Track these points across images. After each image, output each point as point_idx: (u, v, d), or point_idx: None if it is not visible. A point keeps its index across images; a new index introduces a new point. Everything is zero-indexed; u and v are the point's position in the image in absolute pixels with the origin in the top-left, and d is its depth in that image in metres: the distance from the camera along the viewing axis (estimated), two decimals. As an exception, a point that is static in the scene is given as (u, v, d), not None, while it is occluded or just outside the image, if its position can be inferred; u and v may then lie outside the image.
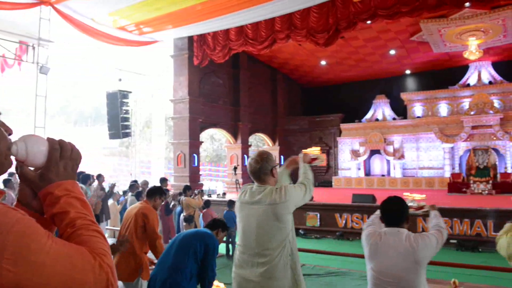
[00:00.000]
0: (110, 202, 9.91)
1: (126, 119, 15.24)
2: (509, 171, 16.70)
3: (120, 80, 15.76)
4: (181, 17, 12.56)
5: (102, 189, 9.44)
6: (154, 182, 12.34)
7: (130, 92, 15.77)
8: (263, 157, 2.73)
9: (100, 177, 9.74)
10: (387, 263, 2.53)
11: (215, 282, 3.34)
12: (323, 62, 20.14)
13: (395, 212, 2.66)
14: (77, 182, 1.06)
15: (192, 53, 15.27)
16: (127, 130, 15.31)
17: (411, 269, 2.47)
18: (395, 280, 2.48)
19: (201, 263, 3.49)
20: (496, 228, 9.49)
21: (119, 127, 14.95)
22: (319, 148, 3.18)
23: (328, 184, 21.22)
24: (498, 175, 16.39)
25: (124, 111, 15.08)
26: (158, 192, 4.54)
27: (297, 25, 12.82)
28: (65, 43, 13.15)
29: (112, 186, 10.35)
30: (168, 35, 14.51)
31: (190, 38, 15.16)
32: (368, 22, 12.41)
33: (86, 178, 8.08)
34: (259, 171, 2.70)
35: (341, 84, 23.09)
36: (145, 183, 10.24)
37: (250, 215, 2.66)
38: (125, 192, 11.09)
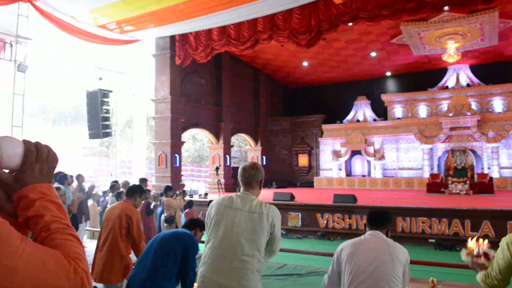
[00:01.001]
0: (90, 203, 9.78)
1: (107, 119, 15.03)
2: (485, 171, 17.09)
3: (100, 79, 15.54)
4: (163, 16, 12.46)
5: (82, 189, 9.32)
6: (135, 182, 12.21)
7: (111, 91, 15.56)
8: (258, 166, 2.86)
9: (79, 177, 9.61)
10: (366, 261, 2.63)
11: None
12: (305, 63, 20.26)
13: (381, 216, 2.90)
14: (53, 186, 1.05)
15: (174, 52, 15.17)
16: (108, 130, 15.10)
17: (388, 262, 2.59)
18: (370, 271, 2.58)
19: (181, 264, 3.47)
20: (473, 227, 9.70)
21: (99, 126, 14.74)
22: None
23: (309, 184, 21.35)
24: (475, 176, 16.75)
25: (105, 111, 14.87)
26: (138, 190, 4.50)
27: (280, 26, 12.87)
28: (44, 41, 12.91)
29: (92, 187, 10.21)
30: (150, 34, 14.39)
31: (172, 38, 15.07)
32: (350, 24, 12.54)
33: (63, 179, 7.94)
34: (253, 176, 2.80)
35: (323, 85, 23.27)
36: (126, 183, 10.12)
37: (236, 220, 2.67)
38: (105, 193, 10.94)
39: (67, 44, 13.31)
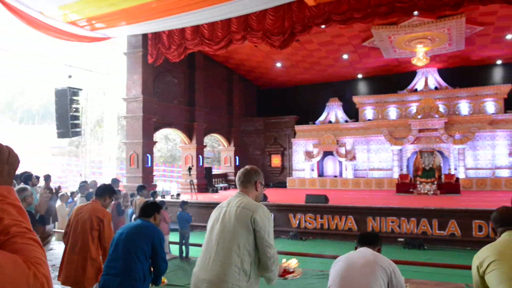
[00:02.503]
0: (58, 204, 9.54)
1: (76, 118, 14.69)
2: (452, 172, 17.62)
3: (70, 76, 15.17)
4: (135, 14, 12.25)
5: (49, 190, 9.06)
6: (105, 182, 11.97)
7: (81, 89, 15.21)
8: (256, 169, 2.93)
9: (47, 177, 9.35)
10: (350, 263, 2.73)
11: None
12: (278, 64, 20.36)
13: (371, 236, 3.04)
14: (13, 188, 1.01)
15: (146, 51, 14.96)
16: (77, 129, 14.76)
17: (370, 266, 2.65)
18: (352, 276, 2.65)
19: (152, 259, 3.45)
20: (441, 226, 9.98)
21: (68, 125, 14.39)
22: (296, 261, 3.11)
23: (282, 184, 21.47)
24: (443, 176, 17.23)
25: (74, 109, 14.53)
26: (108, 191, 4.41)
27: (254, 27, 12.89)
28: (11, 37, 12.49)
29: (57, 188, 9.96)
30: (122, 31, 14.11)
31: (145, 36, 14.85)
32: (323, 26, 12.67)
33: (27, 179, 7.69)
34: (249, 175, 2.86)
35: (296, 86, 23.45)
36: (94, 183, 9.91)
37: (222, 216, 2.72)
38: (73, 193, 10.69)
39: (36, 41, 12.92)
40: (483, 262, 2.23)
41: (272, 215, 11.58)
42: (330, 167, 21.19)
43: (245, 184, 2.86)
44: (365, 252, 2.82)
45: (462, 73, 19.74)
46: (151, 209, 3.67)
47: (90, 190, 9.05)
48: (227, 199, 2.88)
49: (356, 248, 2.99)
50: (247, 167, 2.94)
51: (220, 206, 2.83)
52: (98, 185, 4.99)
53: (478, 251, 2.35)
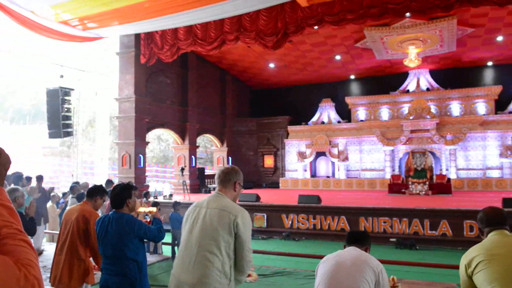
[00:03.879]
0: (49, 204, 9.47)
1: (68, 118, 14.59)
2: (444, 173, 17.75)
3: (61, 76, 15.07)
4: (128, 13, 12.20)
5: (41, 190, 8.99)
6: (97, 183, 11.90)
7: (73, 89, 15.11)
8: (236, 169, 2.91)
9: (39, 178, 9.28)
10: (338, 262, 2.73)
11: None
12: (271, 65, 20.37)
13: (359, 235, 3.07)
14: (4, 189, 1.00)
15: (139, 51, 14.90)
16: (69, 129, 14.66)
17: (359, 265, 2.66)
18: (340, 274, 2.65)
19: (140, 243, 3.44)
20: (432, 227, 10.05)
21: (60, 125, 14.29)
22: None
23: (275, 185, 21.49)
24: (434, 177, 17.35)
25: (66, 109, 14.43)
26: (99, 191, 4.37)
27: (247, 27, 12.89)
28: (1, 36, 12.38)
29: (50, 189, 9.89)
30: (114, 31, 14.03)
31: (137, 36, 14.79)
32: (315, 27, 12.72)
33: (18, 179, 7.62)
34: (229, 175, 2.83)
35: (289, 87, 23.47)
36: (86, 185, 9.85)
37: (201, 217, 2.69)
38: (64, 194, 10.61)
39: (27, 40, 12.81)
40: (471, 262, 2.25)
41: (265, 216, 11.62)
42: (323, 167, 21.25)
43: (224, 183, 2.82)
44: (353, 251, 2.83)
45: (453, 74, 19.90)
46: (92, 192, 3.68)
47: (82, 191, 8.99)
48: (204, 198, 2.85)
49: (344, 247, 3.00)
50: (227, 166, 2.92)
51: (198, 205, 2.79)
52: (89, 187, 4.95)
53: (467, 251, 2.37)
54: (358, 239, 3.00)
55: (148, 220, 3.68)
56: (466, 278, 2.28)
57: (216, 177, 2.90)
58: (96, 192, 4.36)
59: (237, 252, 2.60)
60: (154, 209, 3.83)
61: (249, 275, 3.09)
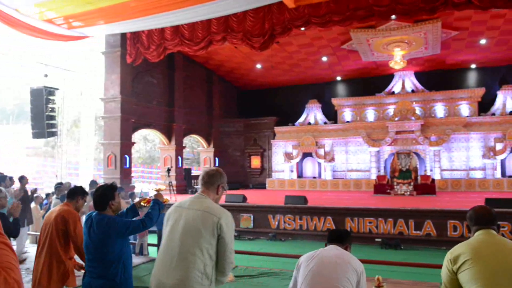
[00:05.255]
0: (32, 205, 9.33)
1: (52, 118, 14.39)
2: (428, 173, 17.98)
3: (46, 76, 14.86)
4: (114, 13, 12.08)
5: (25, 191, 8.85)
6: (82, 184, 11.76)
7: (57, 89, 14.92)
8: (220, 171, 2.87)
9: (22, 179, 9.13)
10: (321, 261, 2.76)
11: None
12: (258, 66, 20.39)
13: (341, 233, 3.08)
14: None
15: (125, 50, 14.78)
16: (53, 129, 14.46)
17: (340, 265, 2.69)
18: (323, 273, 2.68)
19: (123, 241, 3.35)
20: (417, 227, 10.16)
21: (44, 125, 14.08)
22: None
23: (262, 186, 21.51)
24: (419, 177, 17.55)
25: (50, 109, 14.23)
26: (80, 192, 4.30)
27: (234, 28, 12.88)
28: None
29: (34, 190, 9.74)
30: (100, 30, 13.89)
31: (123, 35, 14.67)
32: (302, 28, 12.77)
33: (1, 180, 7.49)
34: (213, 177, 2.81)
35: (276, 88, 23.53)
36: (69, 185, 9.72)
37: (182, 218, 2.66)
38: (48, 195, 10.46)
39: (10, 39, 12.60)
40: (457, 259, 2.26)
41: (252, 216, 11.62)
42: (309, 168, 21.33)
43: (207, 185, 2.80)
44: (335, 250, 2.84)
45: (438, 77, 20.19)
46: (73, 193, 3.53)
47: (66, 192, 8.88)
48: (186, 199, 2.83)
49: (326, 245, 3.01)
50: (212, 168, 2.90)
51: (180, 206, 2.77)
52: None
53: (453, 247, 2.39)
54: (339, 237, 3.01)
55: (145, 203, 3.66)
56: (450, 274, 2.30)
57: (200, 178, 2.87)
58: (76, 192, 4.29)
59: (219, 254, 2.59)
60: (162, 187, 3.79)
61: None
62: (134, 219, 3.59)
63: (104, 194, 3.41)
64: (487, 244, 2.30)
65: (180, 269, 2.50)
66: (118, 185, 10.83)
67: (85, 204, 4.63)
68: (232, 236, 2.66)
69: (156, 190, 3.74)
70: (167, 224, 2.76)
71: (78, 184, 10.19)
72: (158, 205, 3.55)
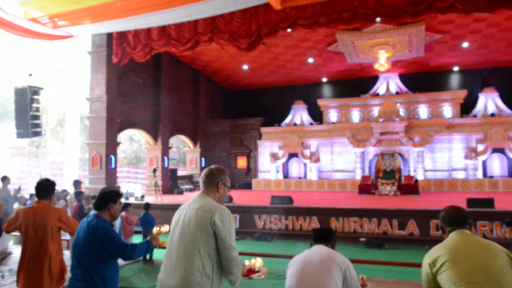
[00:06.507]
0: (16, 206, 9.23)
1: (37, 117, 14.21)
2: (412, 174, 18.26)
3: (30, 75, 14.69)
4: (100, 12, 12.01)
5: (7, 191, 8.77)
6: (67, 184, 11.69)
7: (42, 88, 14.74)
8: (220, 169, 2.85)
9: (5, 179, 9.04)
10: (307, 262, 2.79)
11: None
12: (245, 67, 20.44)
13: (326, 232, 3.10)
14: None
15: (111, 50, 14.69)
16: (37, 129, 14.27)
17: (326, 264, 2.73)
18: (308, 274, 2.72)
19: (109, 258, 3.25)
20: (400, 226, 10.34)
21: (28, 125, 13.89)
22: (261, 261, 3.17)
23: (248, 186, 21.54)
24: (403, 178, 17.81)
25: (35, 109, 14.05)
26: (51, 188, 4.22)
27: (221, 29, 12.91)
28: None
29: (18, 189, 9.64)
30: (86, 30, 13.78)
31: (109, 35, 14.57)
32: (289, 30, 12.85)
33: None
34: (211, 176, 2.80)
35: (262, 88, 23.62)
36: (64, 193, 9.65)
37: (183, 219, 2.67)
38: (32, 196, 10.35)
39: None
40: (436, 261, 2.31)
41: (238, 217, 11.66)
42: (295, 168, 21.46)
43: (207, 185, 2.79)
44: (320, 250, 2.88)
45: (421, 79, 20.50)
46: (104, 200, 3.35)
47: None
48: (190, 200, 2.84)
49: (311, 245, 3.04)
50: (211, 167, 2.88)
51: (182, 208, 2.77)
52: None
53: (430, 250, 2.45)
54: (325, 236, 3.04)
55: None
56: (430, 277, 2.34)
57: (203, 174, 2.84)
58: (49, 188, 4.20)
59: (220, 251, 2.56)
60: (165, 228, 3.57)
61: (256, 272, 3.06)
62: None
63: (107, 194, 3.38)
64: (463, 244, 2.35)
65: (180, 270, 2.51)
66: (103, 186, 10.77)
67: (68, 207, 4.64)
68: (229, 231, 2.59)
69: (155, 232, 3.63)
70: (171, 226, 2.78)
71: (65, 184, 10.10)
72: (148, 245, 3.44)
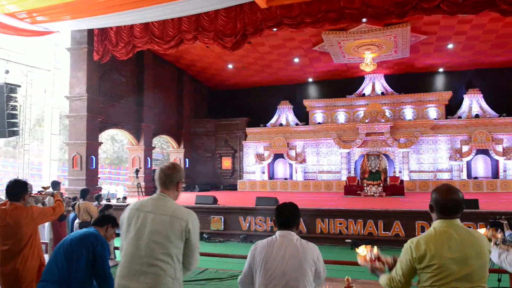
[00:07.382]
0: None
1: (14, 116, 13.75)
2: (397, 175, 18.28)
3: (7, 72, 14.22)
4: (80, 8, 11.65)
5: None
6: (45, 185, 11.26)
7: (19, 86, 14.28)
8: (176, 167, 2.73)
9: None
10: (278, 263, 2.65)
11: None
12: (230, 66, 20.24)
13: (289, 216, 2.93)
14: None
15: (92, 47, 14.32)
16: (15, 128, 13.81)
17: (299, 263, 2.63)
18: (282, 275, 2.60)
19: (93, 269, 3.22)
20: (386, 227, 10.26)
21: (4, 124, 13.43)
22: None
23: (233, 187, 21.34)
24: (388, 179, 17.84)
25: (11, 107, 13.59)
26: (23, 188, 4.07)
27: (205, 27, 12.69)
28: None
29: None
30: (66, 26, 13.39)
31: (90, 31, 14.21)
32: (274, 29, 12.70)
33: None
34: (169, 177, 2.66)
35: (247, 88, 23.41)
36: (29, 186, 9.26)
37: (147, 223, 2.52)
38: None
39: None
40: (422, 259, 2.19)
41: (222, 218, 11.45)
42: (281, 169, 21.33)
43: (166, 185, 2.64)
44: (288, 241, 2.74)
45: (407, 80, 20.58)
46: (104, 220, 3.59)
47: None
48: (144, 200, 2.66)
49: (275, 229, 2.92)
50: (168, 164, 2.72)
51: (140, 210, 2.58)
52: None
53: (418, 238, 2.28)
54: (290, 221, 2.89)
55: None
56: (410, 267, 2.26)
57: (156, 177, 2.68)
58: (20, 190, 4.04)
59: (187, 254, 2.56)
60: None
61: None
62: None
63: (108, 216, 3.69)
64: (454, 244, 2.20)
65: (150, 277, 2.41)
66: (84, 187, 10.44)
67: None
68: (198, 236, 2.62)
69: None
70: (128, 229, 2.58)
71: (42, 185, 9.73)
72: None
